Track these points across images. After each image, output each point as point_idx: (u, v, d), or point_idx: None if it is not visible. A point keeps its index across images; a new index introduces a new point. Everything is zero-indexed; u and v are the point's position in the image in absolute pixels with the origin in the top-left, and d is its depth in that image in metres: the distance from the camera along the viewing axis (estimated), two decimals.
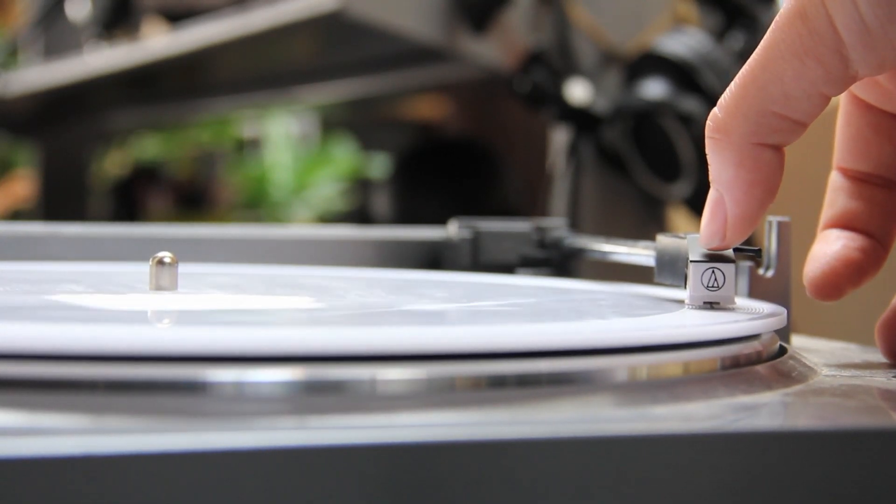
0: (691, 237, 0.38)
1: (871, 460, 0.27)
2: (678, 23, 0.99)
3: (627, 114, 0.93)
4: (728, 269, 0.37)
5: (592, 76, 0.98)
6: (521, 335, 0.30)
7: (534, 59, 0.94)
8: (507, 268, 0.61)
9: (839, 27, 0.33)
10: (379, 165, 2.23)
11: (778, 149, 0.36)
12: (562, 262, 0.61)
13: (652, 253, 0.43)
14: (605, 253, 0.52)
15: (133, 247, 0.60)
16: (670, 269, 0.41)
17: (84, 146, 2.01)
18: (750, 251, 0.38)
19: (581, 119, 0.96)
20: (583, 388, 0.30)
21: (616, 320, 0.37)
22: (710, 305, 0.37)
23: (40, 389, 0.27)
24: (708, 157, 0.36)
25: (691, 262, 0.37)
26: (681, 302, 0.40)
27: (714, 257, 0.37)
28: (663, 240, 0.42)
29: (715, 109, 0.36)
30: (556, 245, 0.61)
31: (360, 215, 2.10)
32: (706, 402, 0.30)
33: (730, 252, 0.37)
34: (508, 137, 1.67)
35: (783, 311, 0.38)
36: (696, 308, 0.37)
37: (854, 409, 0.30)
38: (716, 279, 0.37)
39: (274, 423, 0.26)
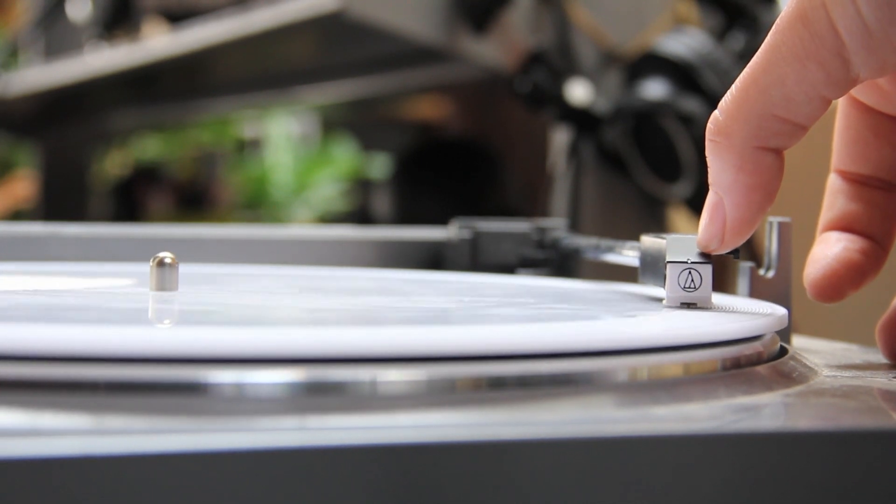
0: (671, 238, 0.38)
1: (872, 461, 0.27)
2: (678, 23, 0.99)
3: (628, 114, 0.93)
4: (705, 269, 0.37)
5: (593, 76, 0.98)
6: (522, 336, 0.30)
7: (534, 60, 0.94)
8: (506, 268, 0.61)
9: (840, 30, 0.33)
10: (379, 166, 2.23)
11: (778, 152, 0.36)
12: (561, 263, 0.61)
13: (637, 254, 0.43)
14: (595, 254, 0.52)
15: (133, 247, 0.60)
16: (652, 270, 0.41)
17: (84, 146, 2.01)
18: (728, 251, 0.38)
19: (581, 119, 0.96)
20: (583, 389, 0.30)
21: (616, 321, 0.37)
22: (688, 306, 0.38)
23: (40, 390, 0.27)
24: (708, 160, 0.36)
25: (668, 262, 0.37)
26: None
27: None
28: (646, 241, 0.42)
29: (716, 112, 0.36)
30: (555, 245, 0.61)
31: (361, 215, 2.10)
32: (707, 403, 0.30)
33: None
34: (509, 138, 1.67)
35: (784, 311, 0.38)
36: (673, 308, 0.38)
37: (855, 409, 0.30)
38: (693, 280, 0.37)
39: (274, 423, 0.26)
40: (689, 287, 0.37)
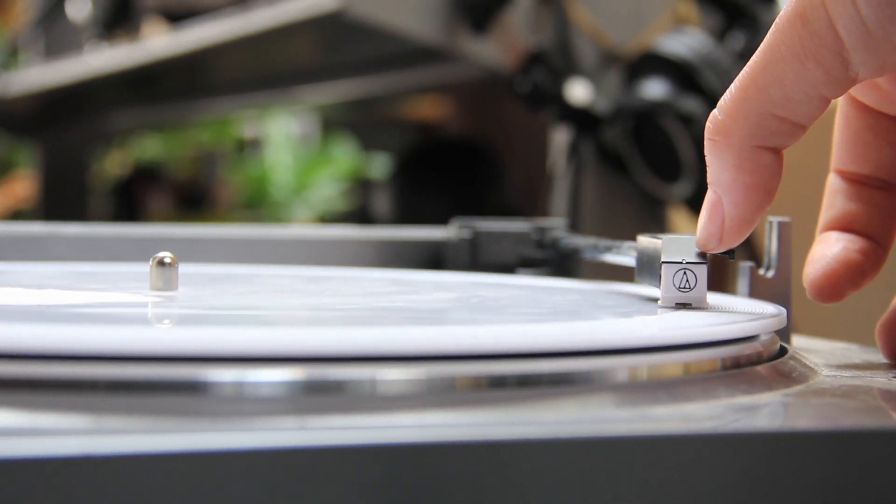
0: (667, 238, 0.38)
1: (872, 461, 0.27)
2: (678, 23, 0.99)
3: (628, 114, 0.93)
4: (700, 270, 0.37)
5: (593, 76, 0.98)
6: (522, 336, 0.30)
7: (534, 59, 0.94)
8: (506, 268, 0.61)
9: (840, 29, 0.33)
10: (379, 165, 2.23)
11: (777, 151, 0.36)
12: (561, 263, 0.61)
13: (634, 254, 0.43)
14: (594, 254, 0.52)
15: (133, 247, 0.60)
16: (648, 270, 0.41)
17: (84, 146, 2.01)
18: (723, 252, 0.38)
19: (581, 119, 0.96)
20: (583, 389, 0.30)
21: (616, 321, 0.37)
22: (683, 306, 0.38)
23: (40, 389, 0.27)
24: (707, 159, 0.36)
25: (663, 262, 0.37)
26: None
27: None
28: (643, 241, 0.42)
29: (715, 111, 0.36)
30: (555, 245, 0.61)
31: (361, 215, 2.10)
32: (706, 403, 0.30)
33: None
34: (508, 137, 1.67)
35: (783, 311, 0.38)
36: (669, 309, 0.38)
37: (854, 409, 0.30)
38: (687, 280, 0.37)
39: (274, 423, 0.26)
40: (685, 287, 0.37)
